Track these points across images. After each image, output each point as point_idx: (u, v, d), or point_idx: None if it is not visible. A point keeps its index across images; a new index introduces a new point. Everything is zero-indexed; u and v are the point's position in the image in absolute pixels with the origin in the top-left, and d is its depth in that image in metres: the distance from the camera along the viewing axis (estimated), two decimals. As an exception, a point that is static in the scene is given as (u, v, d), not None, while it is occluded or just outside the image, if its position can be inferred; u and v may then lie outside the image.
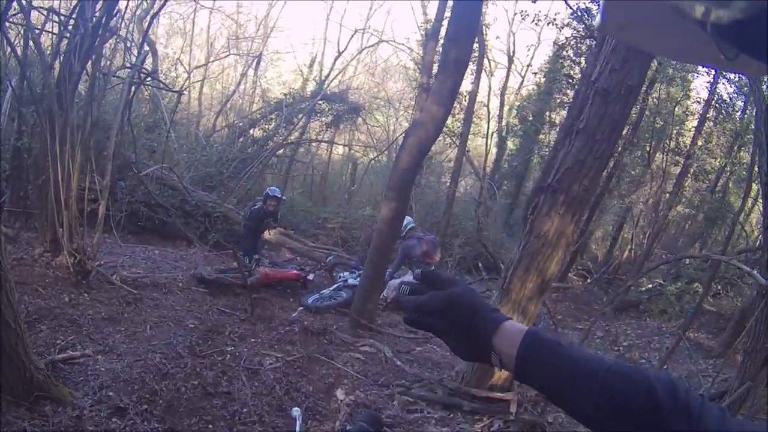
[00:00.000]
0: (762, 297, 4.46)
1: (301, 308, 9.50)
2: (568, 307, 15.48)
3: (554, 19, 19.11)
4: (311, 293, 10.36)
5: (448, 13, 13.35)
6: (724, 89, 18.28)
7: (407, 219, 11.26)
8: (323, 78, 24.58)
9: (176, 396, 5.02)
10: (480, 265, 16.70)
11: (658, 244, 20.47)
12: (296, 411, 2.11)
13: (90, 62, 7.63)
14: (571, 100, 17.95)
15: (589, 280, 19.81)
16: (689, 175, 19.52)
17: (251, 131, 20.16)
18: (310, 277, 11.12)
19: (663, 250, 20.99)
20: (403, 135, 15.46)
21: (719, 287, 15.58)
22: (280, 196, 11.06)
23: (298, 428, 2.01)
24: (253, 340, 7.21)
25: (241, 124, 21.03)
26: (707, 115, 18.93)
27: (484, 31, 19.76)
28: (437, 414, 5.97)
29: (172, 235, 13.08)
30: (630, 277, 16.01)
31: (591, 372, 1.01)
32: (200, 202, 13.50)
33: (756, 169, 8.61)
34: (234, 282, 9.41)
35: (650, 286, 17.08)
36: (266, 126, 20.04)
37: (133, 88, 9.15)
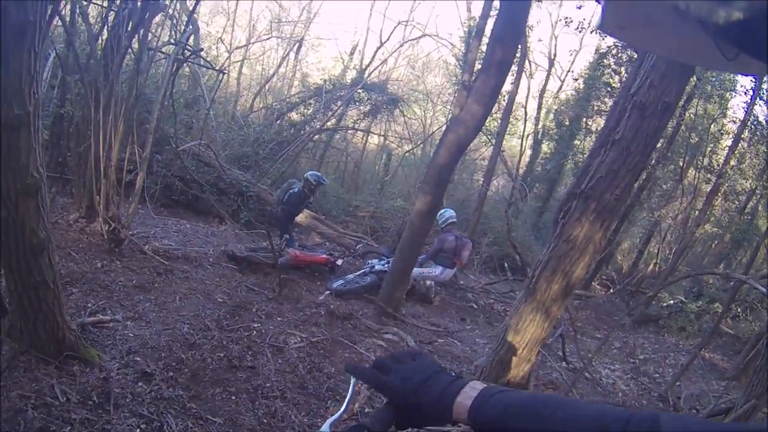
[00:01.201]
0: None
1: (328, 292, 9.54)
2: (588, 315, 15.42)
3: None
4: (338, 278, 10.41)
5: (493, 12, 13.27)
6: (761, 110, 18.10)
7: (451, 212, 11.49)
8: (364, 67, 24.50)
9: (202, 366, 5.11)
10: (506, 265, 16.71)
11: (683, 261, 20.33)
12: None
13: (137, 37, 7.74)
14: (608, 108, 17.91)
15: (611, 291, 19.72)
16: (720, 194, 19.39)
17: (289, 114, 20.17)
18: (339, 262, 11.18)
19: (688, 267, 20.80)
20: (440, 130, 15.48)
21: (739, 310, 15.53)
22: (323, 181, 11.16)
23: (351, 389, 2.00)
24: (279, 318, 7.29)
25: (279, 106, 21.02)
26: (742, 136, 18.76)
27: (527, 33, 19.69)
28: None
29: (204, 211, 13.18)
30: (652, 289, 15.96)
31: (535, 413, 1.03)
32: (234, 181, 13.58)
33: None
34: (264, 261, 9.49)
35: (671, 302, 16.99)
36: (305, 111, 20.05)
37: (176, 65, 9.21)
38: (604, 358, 11.07)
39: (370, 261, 11.24)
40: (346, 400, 1.77)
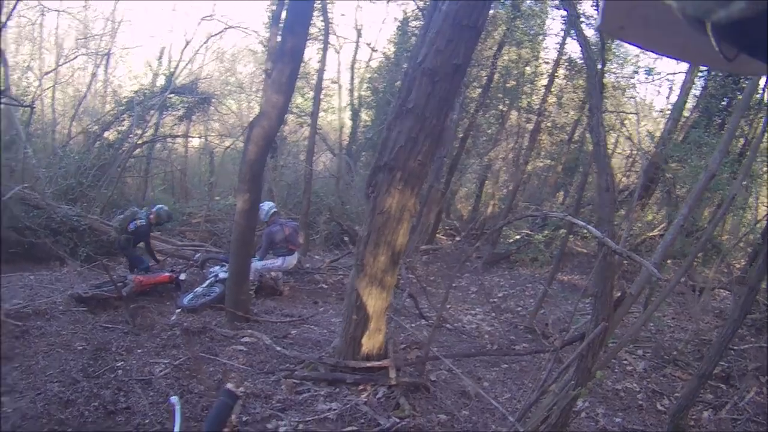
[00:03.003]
0: (601, 246, 5.08)
1: (179, 310, 9.79)
2: (439, 267, 16.16)
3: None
4: (186, 293, 10.62)
5: (288, -1, 13.61)
6: (572, 49, 19.48)
7: (269, 204, 11.84)
8: (171, 71, 24.31)
9: (81, 421, 5.37)
10: (346, 239, 17.34)
11: (521, 197, 21.56)
12: (174, 399, 2.40)
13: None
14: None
15: (457, 239, 20.72)
16: (543, 130, 20.69)
17: (105, 134, 19.80)
18: (182, 277, 11.33)
19: (527, 201, 21.94)
20: (250, 122, 15.74)
21: (585, 230, 16.59)
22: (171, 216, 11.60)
23: (178, 415, 2.32)
24: (139, 350, 7.50)
25: (95, 128, 20.55)
26: (556, 74, 20.12)
27: (328, 9, 20.08)
28: (323, 391, 6.43)
29: (44, 257, 12.95)
30: (486, 235, 16.82)
31: None
32: (65, 217, 13.45)
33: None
34: (110, 295, 9.55)
35: (518, 237, 18.02)
36: (120, 127, 19.74)
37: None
38: (463, 306, 11.76)
39: (212, 269, 11.46)
40: (176, 425, 2.30)
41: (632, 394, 7.42)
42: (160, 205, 11.92)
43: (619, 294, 5.09)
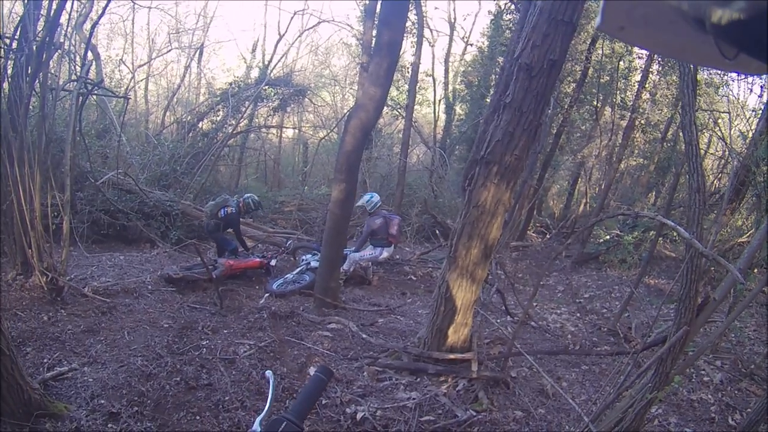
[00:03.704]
0: (688, 248, 4.82)
1: (267, 294, 9.82)
2: (528, 264, 15.85)
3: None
4: (276, 279, 10.66)
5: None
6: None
7: (375, 196, 11.79)
8: (266, 64, 24.45)
9: (162, 394, 5.34)
10: (437, 232, 17.11)
11: (613, 196, 20.91)
12: (269, 373, 2.27)
13: (38, 81, 7.75)
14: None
15: (548, 236, 20.26)
16: (636, 127, 20.02)
17: (200, 124, 20.09)
18: (273, 262, 11.39)
19: (618, 200, 21.24)
20: (348, 113, 15.71)
21: (675, 234, 15.98)
22: (260, 206, 11.75)
23: (271, 388, 2.24)
24: (225, 331, 7.51)
25: (189, 118, 20.90)
26: (650, 69, 19.42)
27: (422, 2, 19.86)
28: (405, 380, 6.31)
29: (135, 239, 13.26)
30: (577, 234, 16.41)
31: None
32: (158, 202, 13.66)
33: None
34: (200, 277, 9.66)
35: (608, 237, 17.52)
36: (214, 118, 19.97)
37: (81, 100, 9.20)
38: (549, 304, 11.46)
39: (304, 257, 11.45)
40: (269, 398, 2.17)
41: (706, 405, 6.98)
42: (250, 194, 11.91)
43: (702, 299, 4.77)
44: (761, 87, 16.92)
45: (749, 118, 18.72)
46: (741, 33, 0.85)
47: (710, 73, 18.19)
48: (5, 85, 7.50)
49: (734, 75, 17.97)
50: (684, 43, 1.06)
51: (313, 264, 10.66)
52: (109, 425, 4.77)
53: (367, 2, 19.32)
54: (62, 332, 6.77)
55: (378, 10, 13.06)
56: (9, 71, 7.58)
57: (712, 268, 10.49)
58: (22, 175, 7.30)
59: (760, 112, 16.07)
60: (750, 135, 15.61)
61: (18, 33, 7.44)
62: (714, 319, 8.25)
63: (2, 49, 7.44)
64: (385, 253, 11.66)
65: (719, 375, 7.95)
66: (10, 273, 7.80)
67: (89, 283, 8.83)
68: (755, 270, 10.93)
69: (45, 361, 5.97)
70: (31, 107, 8.17)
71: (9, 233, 7.69)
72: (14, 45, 7.44)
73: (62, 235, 8.20)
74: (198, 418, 5.12)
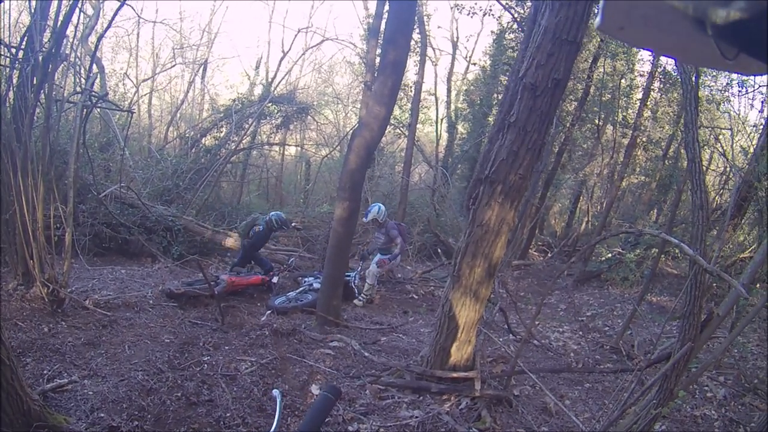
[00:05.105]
0: (692, 265, 4.81)
1: (269, 311, 9.76)
2: (530, 283, 15.79)
3: (490, 11, 19.52)
4: (278, 296, 10.63)
5: (387, 7, 13.53)
6: (666, 61, 18.76)
7: (382, 206, 11.82)
8: (269, 81, 24.51)
9: (162, 409, 5.28)
10: (439, 251, 17.05)
11: (615, 214, 20.90)
12: (276, 392, 2.30)
13: (43, 92, 7.74)
14: (514, 83, 18.27)
15: (549, 255, 20.20)
16: (638, 145, 20.01)
17: (203, 140, 20.12)
18: (275, 280, 11.34)
19: (620, 218, 21.20)
20: (352, 132, 15.73)
21: (677, 251, 15.95)
22: (286, 223, 11.94)
23: (279, 407, 2.21)
24: (227, 347, 7.46)
25: (192, 134, 20.95)
26: (651, 87, 19.44)
27: (425, 22, 19.95)
28: (407, 398, 6.28)
29: (136, 253, 13.16)
30: (580, 253, 16.36)
31: None
32: (160, 217, 13.60)
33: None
34: (202, 293, 9.59)
35: (609, 255, 17.46)
36: (217, 134, 20.06)
37: (85, 112, 9.19)
38: (551, 323, 11.42)
39: (306, 279, 11.49)
40: (276, 418, 2.13)
41: (709, 421, 6.95)
42: (276, 212, 12.03)
43: (706, 315, 4.77)
44: (762, 102, 16.93)
45: (750, 133, 18.71)
46: (741, 33, 0.87)
47: (712, 89, 18.21)
48: (10, 94, 7.51)
49: (735, 91, 17.98)
50: (684, 43, 1.06)
51: (315, 285, 10.67)
52: (110, 438, 4.69)
53: (371, 21, 19.33)
54: (62, 344, 6.71)
55: (382, 28, 13.06)
56: (14, 81, 7.55)
57: (715, 284, 10.51)
58: (26, 186, 7.26)
59: (761, 127, 16.07)
60: (751, 150, 15.60)
61: (24, 43, 7.44)
62: (716, 335, 8.25)
63: (8, 59, 7.45)
64: (400, 258, 11.93)
65: (722, 390, 7.94)
66: (11, 283, 7.76)
67: (90, 295, 8.77)
68: (758, 285, 10.90)
69: (45, 372, 5.90)
70: (35, 118, 8.15)
71: (11, 243, 7.65)
72: (20, 55, 7.43)
73: (64, 246, 8.13)
74: (199, 433, 5.05)
